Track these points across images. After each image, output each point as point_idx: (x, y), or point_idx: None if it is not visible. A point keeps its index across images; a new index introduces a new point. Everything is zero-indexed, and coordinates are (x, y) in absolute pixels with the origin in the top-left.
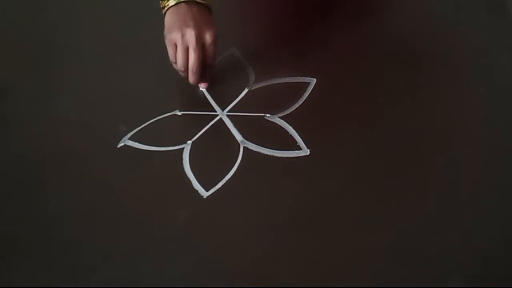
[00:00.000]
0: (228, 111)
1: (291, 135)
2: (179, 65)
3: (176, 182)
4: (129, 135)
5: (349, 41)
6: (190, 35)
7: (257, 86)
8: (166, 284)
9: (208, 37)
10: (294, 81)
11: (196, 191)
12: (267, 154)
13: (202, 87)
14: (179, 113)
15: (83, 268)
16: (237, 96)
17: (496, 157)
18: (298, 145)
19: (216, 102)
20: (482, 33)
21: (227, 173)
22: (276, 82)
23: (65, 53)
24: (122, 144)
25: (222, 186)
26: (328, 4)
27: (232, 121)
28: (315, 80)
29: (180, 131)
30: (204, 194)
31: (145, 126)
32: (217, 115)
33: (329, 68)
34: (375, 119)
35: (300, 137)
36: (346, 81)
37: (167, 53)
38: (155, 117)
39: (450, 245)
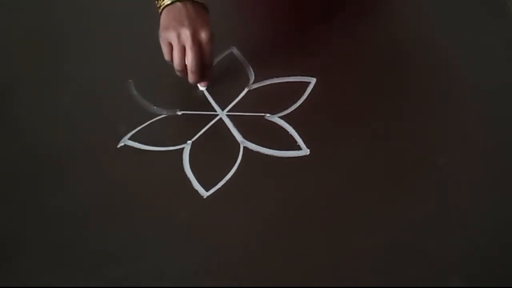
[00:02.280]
0: (228, 111)
1: (291, 135)
2: (176, 64)
3: (176, 182)
4: (129, 135)
5: (349, 41)
6: (186, 34)
7: (257, 86)
8: (166, 284)
9: (203, 36)
10: (294, 81)
11: (196, 191)
12: (267, 154)
13: (202, 87)
14: (179, 113)
15: (83, 268)
16: (237, 96)
17: (496, 157)
18: (298, 145)
19: (216, 102)
20: (482, 33)
21: (227, 173)
22: (276, 82)
23: (65, 53)
24: (122, 144)
25: (222, 186)
26: (329, 4)
27: (232, 121)
28: (315, 80)
29: (180, 131)
30: (204, 194)
31: (145, 126)
32: (217, 115)
33: (329, 68)
34: (375, 119)
35: (300, 137)
36: (346, 81)
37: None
38: (155, 117)
39: (450, 245)
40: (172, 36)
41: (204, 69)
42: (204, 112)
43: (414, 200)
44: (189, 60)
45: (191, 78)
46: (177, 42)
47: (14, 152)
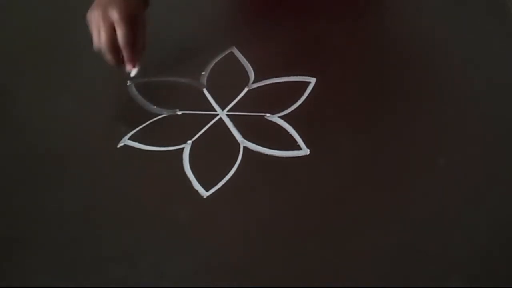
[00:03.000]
0: (228, 111)
1: (291, 135)
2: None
3: (176, 182)
4: (129, 135)
5: (349, 41)
6: (96, 15)
7: (257, 85)
8: (166, 284)
9: (115, 16)
10: (294, 80)
11: (196, 191)
12: (267, 154)
13: (129, 71)
14: (179, 113)
15: (83, 268)
16: (237, 96)
17: (496, 157)
18: (298, 145)
19: (216, 102)
20: (482, 33)
21: (227, 173)
22: (276, 81)
23: (65, 53)
24: (122, 144)
25: (222, 186)
26: (328, 4)
27: (232, 120)
28: (315, 79)
29: (180, 131)
30: (204, 194)
31: (145, 126)
32: (217, 114)
33: (329, 68)
34: (375, 119)
35: (300, 137)
36: (346, 81)
37: (166, 53)
38: (155, 117)
39: (450, 245)
40: (90, 17)
41: (122, 50)
42: (204, 112)
43: (414, 200)
44: (101, 40)
45: (106, 58)
46: (94, 23)
47: (14, 152)
